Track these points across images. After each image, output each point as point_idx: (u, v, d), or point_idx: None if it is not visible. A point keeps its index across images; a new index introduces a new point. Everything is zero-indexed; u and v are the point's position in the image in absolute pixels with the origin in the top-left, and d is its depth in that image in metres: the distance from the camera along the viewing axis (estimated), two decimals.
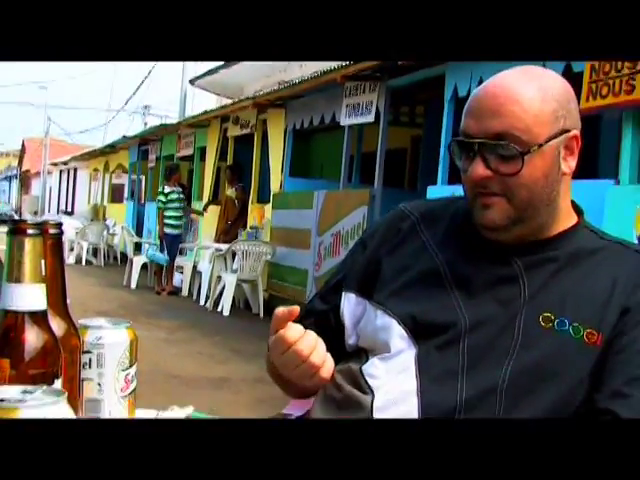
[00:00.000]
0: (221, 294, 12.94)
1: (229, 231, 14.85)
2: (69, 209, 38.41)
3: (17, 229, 1.16)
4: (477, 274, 1.75)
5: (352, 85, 11.03)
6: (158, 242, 15.89)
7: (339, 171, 11.92)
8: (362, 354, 1.84)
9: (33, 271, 1.16)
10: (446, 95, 9.09)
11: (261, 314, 12.55)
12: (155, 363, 8.58)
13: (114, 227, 23.23)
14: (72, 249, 22.22)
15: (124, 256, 19.98)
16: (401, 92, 10.92)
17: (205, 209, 16.91)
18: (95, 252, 22.46)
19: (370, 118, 10.68)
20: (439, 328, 1.72)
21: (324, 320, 1.93)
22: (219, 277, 13.20)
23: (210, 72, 20.29)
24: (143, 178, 24.59)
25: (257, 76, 18.17)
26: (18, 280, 1.16)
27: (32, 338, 1.18)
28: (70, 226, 22.74)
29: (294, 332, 1.67)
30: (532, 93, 1.69)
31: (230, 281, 12.70)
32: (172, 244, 15.24)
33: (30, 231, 1.16)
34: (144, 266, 16.45)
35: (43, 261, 1.19)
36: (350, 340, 1.87)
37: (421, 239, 1.86)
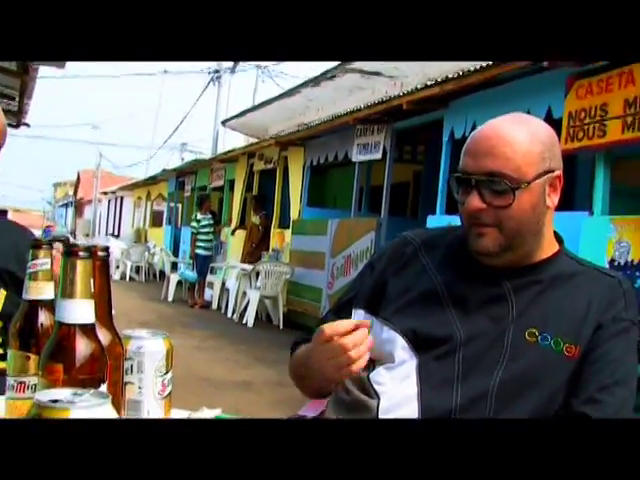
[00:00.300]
0: (246, 308, 12.95)
1: (253, 253, 14.90)
2: (116, 232, 38.51)
3: (71, 252, 1.17)
4: (471, 294, 1.77)
5: (362, 127, 11.10)
6: (191, 262, 15.93)
7: (350, 201, 11.99)
8: (369, 363, 1.84)
9: (84, 289, 1.17)
10: (444, 137, 9.16)
11: (281, 326, 12.57)
12: (188, 367, 8.58)
13: (154, 248, 23.26)
14: (118, 267, 22.27)
15: (162, 273, 20.01)
16: (405, 133, 10.99)
17: (233, 233, 16.95)
18: (137, 270, 22.48)
19: (378, 155, 10.74)
20: (437, 341, 1.74)
21: None
22: (244, 293, 13.23)
23: (239, 115, 20.35)
24: (180, 206, 24.67)
25: (279, 119, 18.22)
26: (71, 296, 1.16)
27: (82, 347, 1.18)
28: (116, 247, 22.82)
29: (347, 324, 1.64)
30: (522, 137, 1.71)
31: (254, 297, 12.71)
32: (203, 264, 15.30)
33: (81, 254, 1.17)
34: (179, 282, 16.48)
35: (92, 280, 1.19)
36: None
37: (422, 263, 1.87)
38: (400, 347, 1.76)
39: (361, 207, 12.35)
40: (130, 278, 21.65)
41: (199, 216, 15.28)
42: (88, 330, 1.19)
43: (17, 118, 12.47)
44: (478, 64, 7.90)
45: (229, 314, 13.76)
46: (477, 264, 1.79)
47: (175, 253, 21.32)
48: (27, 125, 13.49)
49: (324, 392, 1.84)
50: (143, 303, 15.10)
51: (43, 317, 1.40)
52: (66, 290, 1.16)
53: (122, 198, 38.47)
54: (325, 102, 16.06)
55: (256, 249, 14.97)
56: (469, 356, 1.70)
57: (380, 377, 1.77)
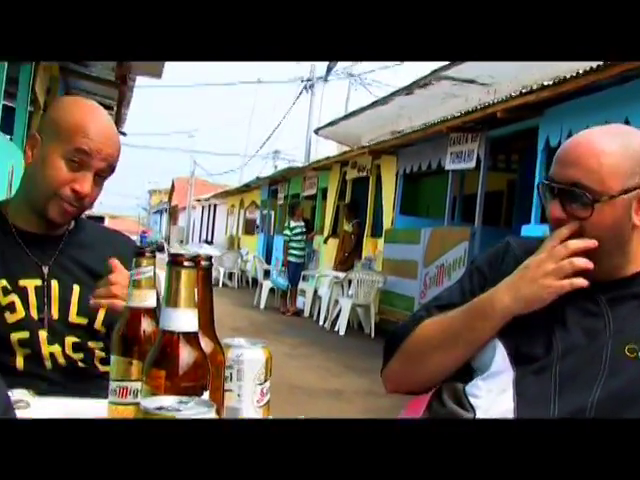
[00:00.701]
0: (338, 316, 12.97)
1: (346, 261, 14.91)
2: (209, 239, 39.04)
3: (175, 262, 1.19)
4: (567, 306, 1.73)
5: (456, 136, 11.02)
6: (283, 269, 16.03)
7: (443, 210, 11.92)
8: (467, 371, 1.83)
9: (187, 298, 1.19)
10: (539, 145, 9.03)
11: (372, 334, 12.51)
12: (280, 375, 8.59)
13: (247, 255, 23.50)
14: None
15: (255, 280, 20.15)
16: (499, 142, 10.87)
17: (326, 241, 17.00)
18: (230, 276, 22.75)
19: (471, 164, 10.65)
20: (536, 355, 1.70)
21: None
22: (336, 301, 13.25)
23: (332, 123, 20.40)
24: (272, 213, 24.85)
25: (372, 127, 18.21)
26: (175, 305, 1.18)
27: (185, 355, 1.19)
28: (210, 253, 23.05)
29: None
30: (612, 149, 1.66)
31: (346, 305, 12.71)
32: (295, 271, 15.35)
33: (186, 263, 1.19)
34: (272, 290, 16.59)
35: (196, 289, 1.21)
36: None
37: None
38: (500, 356, 1.73)
39: (454, 216, 12.25)
40: (223, 284, 21.91)
41: (292, 224, 15.35)
42: (191, 338, 1.20)
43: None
44: (574, 71, 7.77)
45: (321, 322, 13.79)
46: None
47: (268, 260, 21.47)
48: (124, 134, 13.80)
49: (445, 374, 1.84)
50: (235, 310, 15.24)
51: (145, 324, 1.43)
52: (170, 299, 1.18)
53: (215, 205, 39.01)
54: (418, 110, 15.99)
55: (348, 257, 14.98)
56: (566, 372, 1.66)
57: (476, 390, 1.75)
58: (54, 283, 2.09)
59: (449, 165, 11.27)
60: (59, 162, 2.00)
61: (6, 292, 2.02)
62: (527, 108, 8.91)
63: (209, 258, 1.37)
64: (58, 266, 2.11)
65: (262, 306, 16.12)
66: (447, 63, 13.00)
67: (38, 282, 2.07)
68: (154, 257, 1.45)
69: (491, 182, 11.39)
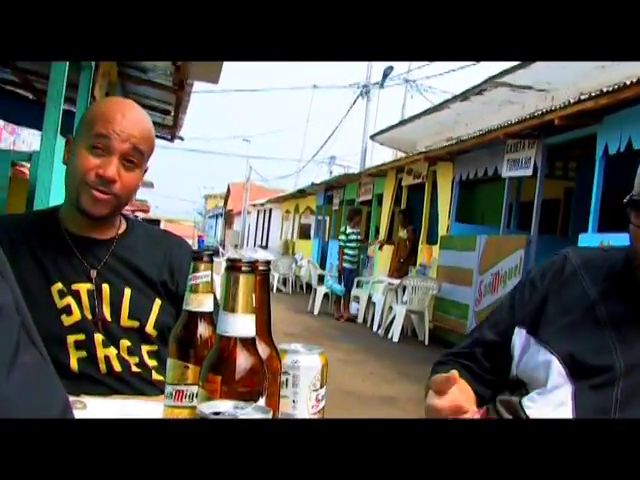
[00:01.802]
0: (392, 322, 12.92)
1: (401, 268, 14.87)
2: (264, 244, 39.26)
3: (234, 267, 1.19)
4: (633, 320, 1.69)
5: (513, 142, 10.94)
6: (337, 275, 16.03)
7: (499, 218, 11.80)
8: (521, 386, 1.80)
9: (245, 303, 1.19)
10: (597, 152, 8.90)
11: (426, 342, 12.48)
12: (333, 381, 8.57)
13: (301, 260, 23.55)
14: None
15: (309, 286, 20.21)
16: (556, 149, 10.77)
17: (381, 248, 16.98)
18: (285, 281, 22.82)
19: (528, 172, 10.56)
20: (596, 369, 1.67)
21: (494, 350, 1.89)
22: (391, 307, 13.21)
23: (388, 129, 20.40)
24: (327, 219, 24.91)
25: (428, 133, 18.18)
26: (233, 310, 1.18)
27: (242, 360, 1.19)
28: (265, 258, 23.15)
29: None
30: None
31: (400, 311, 12.68)
32: (349, 277, 15.36)
33: (244, 269, 1.19)
34: (326, 295, 16.63)
35: (253, 295, 1.21)
36: (513, 371, 1.83)
37: (581, 284, 1.80)
38: (556, 372, 1.69)
39: (510, 224, 12.14)
40: (277, 290, 21.98)
41: (348, 230, 15.37)
42: (248, 344, 1.20)
43: (172, 132, 12.85)
44: (634, 76, 7.65)
45: (375, 328, 13.76)
46: None
47: (322, 266, 21.51)
48: (181, 139, 13.87)
49: None
50: (290, 315, 15.28)
51: (202, 328, 1.43)
52: (228, 304, 1.18)
53: (271, 210, 39.20)
54: (474, 117, 15.91)
55: (403, 264, 14.93)
56: (629, 388, 1.63)
57: (532, 402, 1.72)
58: (105, 287, 2.11)
59: (506, 172, 11.19)
60: (84, 151, 2.03)
61: (62, 295, 2.05)
62: (585, 115, 8.80)
63: (267, 263, 1.37)
64: (108, 269, 2.13)
65: (316, 311, 16.15)
66: (503, 69, 12.93)
67: (89, 286, 2.09)
68: (212, 262, 1.45)
69: (548, 190, 11.28)
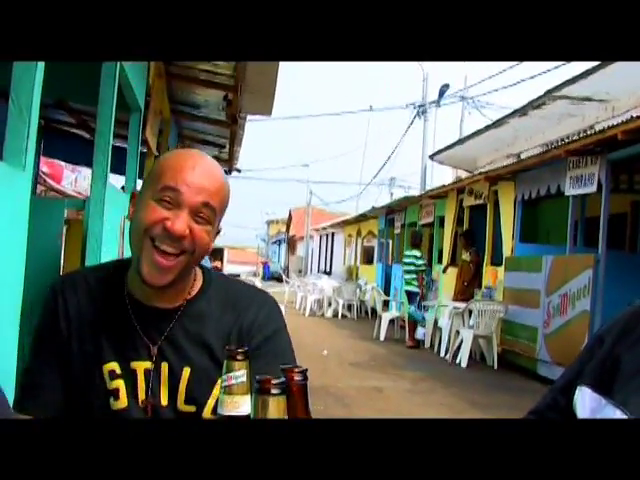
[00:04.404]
0: (459, 347, 12.77)
1: (465, 291, 14.66)
2: (327, 269, 39.26)
3: (262, 389, 1.07)
4: None
5: (575, 159, 10.70)
6: (405, 299, 15.89)
7: (564, 236, 11.55)
8: None
9: None
10: None
11: (495, 366, 12.29)
12: (401, 413, 8.50)
13: (365, 285, 23.46)
14: (330, 304, 22.65)
15: (374, 311, 20.10)
16: (620, 163, 10.51)
17: (445, 270, 16.79)
18: (349, 307, 22.73)
19: (593, 189, 10.30)
20: None
21: (560, 414, 1.75)
22: (457, 332, 13.03)
23: (447, 148, 20.31)
24: (390, 242, 24.81)
25: (488, 150, 18.02)
26: None
27: None
28: (328, 285, 23.24)
29: None
30: None
31: (467, 336, 12.50)
32: (414, 301, 15.24)
33: (274, 391, 1.07)
34: (391, 321, 16.48)
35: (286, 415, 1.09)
36: None
37: None
38: None
39: (576, 242, 11.87)
40: (342, 316, 21.91)
41: (417, 253, 15.27)
42: None
43: (229, 165, 12.94)
44: None
45: (442, 353, 13.59)
46: None
47: (386, 291, 21.39)
48: (238, 170, 13.99)
49: None
50: (355, 342, 15.18)
51: None
52: None
53: (333, 234, 39.23)
54: (534, 131, 15.71)
55: (468, 287, 14.72)
56: None
57: None
58: (163, 366, 1.93)
59: (569, 190, 10.95)
60: (150, 203, 1.83)
61: (113, 376, 1.90)
62: None
63: (303, 371, 1.24)
64: (169, 344, 1.94)
65: (382, 338, 16.02)
66: (560, 83, 12.72)
67: (148, 364, 1.93)
68: (247, 359, 1.34)
69: (613, 204, 11.02)
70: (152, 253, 1.83)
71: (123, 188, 6.60)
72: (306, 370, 1.26)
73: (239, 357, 1.33)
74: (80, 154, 10.52)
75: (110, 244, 5.12)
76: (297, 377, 1.23)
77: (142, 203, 1.86)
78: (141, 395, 1.91)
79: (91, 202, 4.67)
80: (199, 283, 2.02)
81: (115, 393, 1.90)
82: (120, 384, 1.90)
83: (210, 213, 1.87)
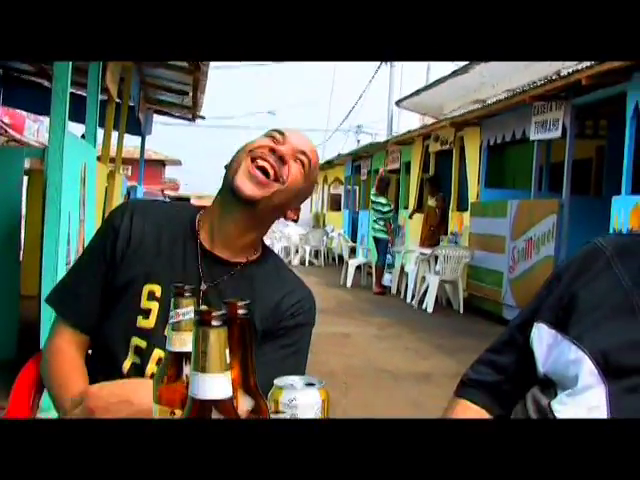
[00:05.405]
0: (425, 293, 12.83)
1: (432, 237, 14.72)
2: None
3: (203, 321, 1.06)
4: None
5: (540, 104, 10.73)
6: (373, 246, 15.91)
7: (530, 181, 11.63)
8: (551, 387, 1.67)
9: (218, 361, 1.06)
10: (628, 111, 8.67)
11: (461, 311, 12.43)
12: (367, 358, 8.57)
13: (332, 232, 23.49)
14: (297, 251, 22.69)
15: (341, 258, 20.15)
16: (585, 108, 10.56)
17: (411, 216, 16.83)
18: (316, 254, 22.76)
19: (557, 134, 10.35)
20: (631, 369, 1.51)
21: (522, 351, 1.77)
22: (423, 278, 13.10)
23: (413, 94, 20.22)
24: (357, 189, 24.81)
25: (454, 96, 17.94)
26: (204, 370, 1.05)
27: None
28: (295, 232, 23.21)
29: None
30: None
31: (434, 281, 12.56)
32: (384, 248, 15.26)
33: (214, 323, 1.06)
34: (357, 267, 16.55)
35: (227, 350, 1.08)
36: (541, 369, 1.69)
37: (615, 274, 1.64)
38: (587, 371, 1.54)
39: (541, 187, 11.92)
40: (309, 262, 21.95)
41: (383, 200, 15.22)
42: (225, 405, 1.08)
43: (192, 112, 12.83)
44: None
45: (408, 299, 13.67)
46: None
47: (353, 238, 21.41)
48: (202, 118, 13.86)
49: None
50: (322, 289, 15.23)
51: (188, 370, 1.31)
52: (199, 363, 1.05)
53: None
54: (500, 77, 15.66)
55: (434, 232, 14.78)
56: None
57: (563, 406, 1.58)
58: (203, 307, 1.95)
59: (534, 135, 10.99)
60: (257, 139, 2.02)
61: (151, 297, 1.94)
62: (614, 73, 8.53)
63: (247, 305, 1.23)
64: (216, 291, 1.98)
65: (349, 284, 16.08)
66: None
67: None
68: (194, 296, 1.34)
69: (579, 149, 11.07)
70: (250, 167, 1.92)
71: (83, 136, 6.54)
72: (249, 304, 1.25)
73: (186, 294, 1.33)
74: (42, 103, 10.34)
75: (71, 192, 5.07)
76: (240, 311, 1.23)
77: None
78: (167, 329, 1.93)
79: (50, 151, 4.63)
80: (259, 251, 2.10)
81: (146, 312, 1.94)
82: (154, 306, 1.94)
83: (307, 164, 2.01)
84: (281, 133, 1.98)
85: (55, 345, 1.98)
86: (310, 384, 1.39)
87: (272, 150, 1.93)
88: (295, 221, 2.14)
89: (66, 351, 1.96)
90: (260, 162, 1.92)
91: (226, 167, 2.02)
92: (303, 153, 1.99)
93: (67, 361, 1.94)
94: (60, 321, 2.01)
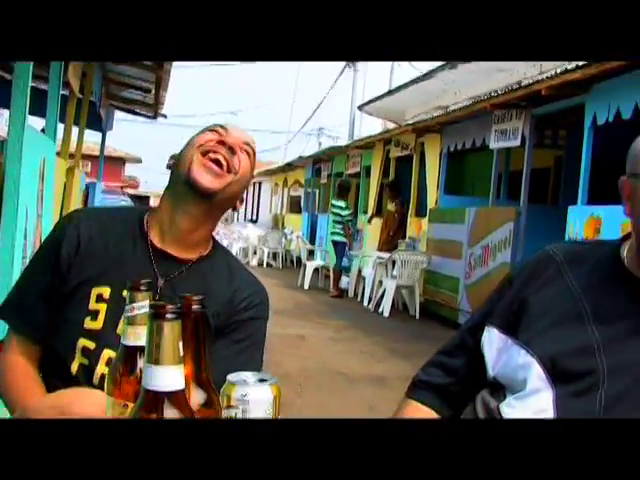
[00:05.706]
0: (382, 297, 12.87)
1: (390, 241, 14.77)
2: (254, 218, 39.11)
3: (157, 314, 1.07)
4: (621, 319, 1.58)
5: (500, 113, 10.83)
6: (331, 249, 15.92)
7: (488, 189, 11.72)
8: (500, 390, 1.70)
9: (171, 353, 1.07)
10: (586, 123, 8.80)
11: (417, 316, 12.47)
12: (322, 360, 8.58)
13: (291, 235, 23.48)
14: (255, 253, 22.63)
15: (299, 260, 20.15)
16: (545, 118, 10.67)
17: (370, 221, 16.88)
18: (275, 256, 22.73)
19: (516, 142, 10.47)
20: (577, 374, 1.56)
21: (467, 353, 1.82)
22: (380, 282, 13.14)
23: (375, 99, 20.29)
24: (317, 192, 24.83)
25: (416, 102, 18.02)
26: (157, 362, 1.07)
27: (170, 416, 1.09)
28: (254, 233, 23.17)
29: None
30: None
31: (390, 286, 12.61)
32: (342, 251, 15.28)
33: (168, 316, 1.07)
34: (315, 270, 16.58)
35: (182, 342, 1.09)
36: (491, 372, 1.73)
37: (565, 281, 1.69)
38: (536, 375, 1.59)
39: (500, 194, 12.05)
40: (267, 264, 21.91)
41: (343, 204, 15.22)
42: (177, 397, 1.09)
43: (154, 110, 12.76)
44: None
45: (365, 303, 13.71)
46: (632, 284, 1.61)
47: (312, 240, 21.42)
48: (164, 116, 13.79)
49: None
50: (280, 290, 15.21)
51: (142, 364, 1.32)
52: (152, 355, 1.07)
53: (260, 184, 39.04)
54: (463, 85, 15.77)
55: (393, 237, 14.83)
56: (613, 393, 1.52)
57: (511, 409, 1.62)
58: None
59: (493, 143, 11.09)
60: (201, 133, 2.05)
61: (99, 299, 1.94)
62: (573, 85, 8.66)
63: (201, 300, 1.25)
64: (169, 289, 1.98)
65: (306, 286, 16.10)
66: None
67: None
68: (150, 290, 1.35)
69: (537, 159, 11.20)
70: (203, 160, 1.95)
71: (43, 130, 6.49)
72: (204, 299, 1.27)
73: (142, 288, 1.34)
74: (1, 96, 10.24)
75: (29, 186, 5.04)
76: (195, 305, 1.24)
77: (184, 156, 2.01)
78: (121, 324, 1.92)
79: (9, 144, 4.59)
80: (210, 246, 2.11)
81: (94, 314, 1.93)
82: (102, 307, 1.93)
83: (252, 154, 2.07)
84: (223, 127, 2.02)
85: (9, 359, 1.97)
86: (262, 380, 1.40)
87: (221, 142, 1.97)
88: (236, 210, 2.16)
89: (20, 364, 1.95)
90: (212, 155, 1.95)
91: (169, 166, 2.04)
92: (247, 144, 2.04)
93: (21, 374, 1.94)
94: (12, 333, 2.00)
